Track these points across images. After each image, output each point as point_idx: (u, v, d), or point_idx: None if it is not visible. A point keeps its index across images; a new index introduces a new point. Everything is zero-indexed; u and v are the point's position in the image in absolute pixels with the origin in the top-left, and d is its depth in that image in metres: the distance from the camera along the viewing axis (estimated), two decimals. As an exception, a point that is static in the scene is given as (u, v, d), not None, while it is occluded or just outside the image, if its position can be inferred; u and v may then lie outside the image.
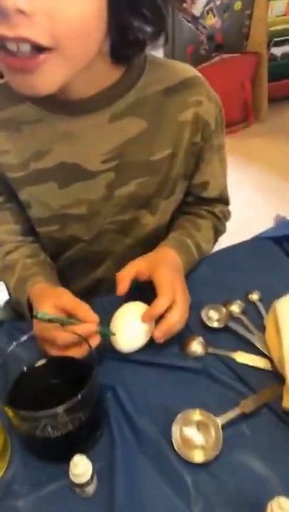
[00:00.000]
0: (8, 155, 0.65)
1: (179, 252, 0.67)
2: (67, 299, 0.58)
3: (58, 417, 0.43)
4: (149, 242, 0.75)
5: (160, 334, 0.57)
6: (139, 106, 0.63)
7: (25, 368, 0.52)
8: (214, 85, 2.62)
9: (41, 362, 0.53)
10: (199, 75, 0.67)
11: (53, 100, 0.60)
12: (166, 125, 0.65)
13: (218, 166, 0.74)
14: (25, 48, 0.46)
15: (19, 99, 0.63)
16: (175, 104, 0.65)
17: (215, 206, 0.78)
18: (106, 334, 0.57)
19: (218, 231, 0.80)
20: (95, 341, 0.56)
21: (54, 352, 0.54)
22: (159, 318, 0.58)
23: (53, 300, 0.59)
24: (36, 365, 0.52)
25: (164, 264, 0.63)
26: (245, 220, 2.16)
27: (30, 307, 0.65)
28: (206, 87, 0.67)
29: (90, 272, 0.79)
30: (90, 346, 0.50)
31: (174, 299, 0.59)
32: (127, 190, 0.68)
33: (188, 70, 0.67)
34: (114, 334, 0.59)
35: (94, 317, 0.56)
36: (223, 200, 0.79)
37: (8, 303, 0.92)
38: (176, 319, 0.58)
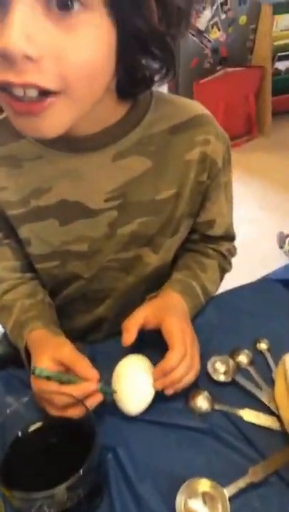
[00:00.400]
0: (7, 192, 0.63)
1: (185, 297, 0.65)
2: (66, 352, 0.56)
3: (56, 497, 0.41)
4: (152, 280, 0.73)
5: (170, 391, 0.56)
6: (144, 144, 0.61)
7: (20, 433, 0.49)
8: (218, 98, 2.64)
9: (36, 425, 0.50)
10: (207, 112, 0.65)
11: (56, 137, 0.58)
12: (171, 164, 0.63)
13: (225, 204, 0.72)
14: (32, 93, 0.43)
15: (20, 134, 0.60)
16: (181, 143, 0.62)
17: (221, 244, 0.76)
18: (108, 392, 0.55)
19: (224, 270, 0.77)
20: (95, 400, 0.53)
21: (52, 411, 0.51)
22: None
23: (51, 352, 0.56)
24: (31, 430, 0.49)
25: (173, 312, 0.61)
26: (248, 237, 2.14)
27: (28, 353, 0.63)
28: (214, 125, 0.65)
29: (90, 310, 0.76)
30: (86, 408, 0.47)
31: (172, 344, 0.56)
32: (129, 229, 0.65)
33: (196, 108, 0.64)
34: (116, 392, 0.56)
35: (94, 374, 0.53)
36: (229, 237, 0.77)
37: (5, 336, 0.89)
38: (175, 362, 0.56)
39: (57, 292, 0.74)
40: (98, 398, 0.53)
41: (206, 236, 0.74)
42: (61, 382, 0.53)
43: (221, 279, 0.77)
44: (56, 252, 0.67)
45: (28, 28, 0.39)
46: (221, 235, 0.74)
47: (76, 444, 0.47)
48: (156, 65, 0.51)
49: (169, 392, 0.56)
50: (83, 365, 0.54)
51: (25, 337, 0.63)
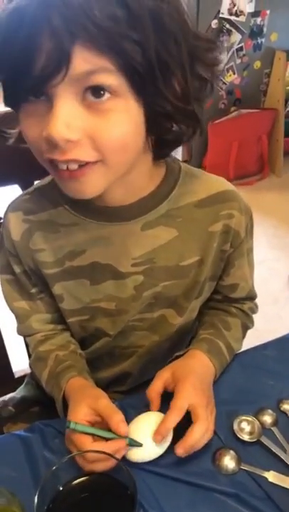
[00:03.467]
0: (45, 253, 0.68)
1: (212, 357, 0.68)
2: (103, 404, 0.59)
3: None
4: (176, 339, 0.76)
5: (181, 451, 0.58)
6: (172, 216, 0.66)
7: (61, 488, 0.52)
8: (232, 138, 2.72)
9: (78, 481, 0.53)
10: (233, 188, 0.70)
11: (90, 206, 0.64)
12: (196, 234, 0.67)
13: (247, 269, 0.76)
14: (73, 166, 0.51)
15: (58, 202, 0.66)
16: (206, 216, 0.67)
17: (244, 304, 0.79)
18: (134, 445, 0.58)
19: (247, 327, 0.80)
20: (122, 453, 0.57)
21: (84, 465, 0.54)
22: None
23: (89, 401, 0.60)
24: (72, 484, 0.52)
25: (189, 378, 0.63)
26: (258, 277, 2.17)
27: (65, 403, 0.66)
28: (239, 199, 0.69)
29: (116, 364, 0.79)
30: (118, 460, 0.51)
31: (195, 414, 0.59)
32: (154, 291, 0.70)
33: (222, 184, 0.69)
34: (142, 445, 0.59)
35: (125, 430, 0.57)
36: (251, 297, 0.80)
37: (31, 377, 0.92)
38: (198, 437, 0.58)
39: (86, 346, 0.78)
40: (124, 452, 0.57)
41: (229, 298, 0.77)
42: (93, 436, 0.56)
43: (244, 336, 0.80)
44: (86, 307, 0.71)
45: (68, 118, 0.47)
46: (244, 296, 0.78)
47: (115, 499, 0.50)
48: (184, 127, 0.57)
49: (182, 455, 0.58)
50: (117, 419, 0.57)
51: (63, 386, 0.66)
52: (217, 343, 0.71)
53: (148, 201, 0.64)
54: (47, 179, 0.69)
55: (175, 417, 0.58)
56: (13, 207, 0.69)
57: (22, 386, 0.91)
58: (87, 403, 0.59)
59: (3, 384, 0.98)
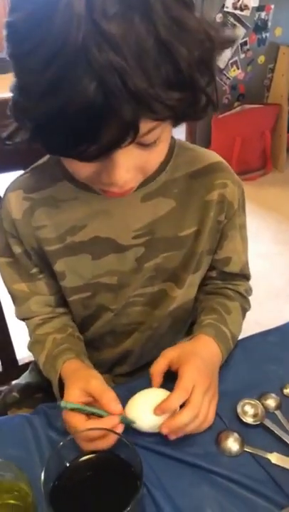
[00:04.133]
0: (46, 229, 0.69)
1: (219, 343, 0.69)
2: (94, 384, 0.60)
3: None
4: (177, 315, 0.78)
5: (166, 430, 0.58)
6: (169, 187, 0.68)
7: (67, 464, 0.52)
8: (235, 133, 2.72)
9: (84, 458, 0.53)
10: (224, 160, 0.72)
11: None
12: (193, 204, 0.70)
13: (240, 243, 0.77)
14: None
15: (57, 178, 0.67)
16: (202, 186, 0.70)
17: (239, 284, 0.80)
18: (127, 423, 0.59)
19: (245, 310, 0.81)
20: (118, 430, 0.57)
21: (82, 444, 0.54)
22: None
23: (82, 383, 0.61)
24: (79, 461, 0.53)
25: (194, 359, 0.63)
26: (261, 271, 2.17)
27: (61, 386, 0.66)
28: (231, 171, 0.72)
29: (118, 343, 0.80)
30: (120, 435, 0.52)
31: (189, 399, 0.59)
32: (154, 263, 0.71)
33: (214, 156, 0.72)
34: (135, 423, 0.60)
35: (117, 408, 0.57)
36: (245, 276, 0.82)
37: (35, 365, 0.93)
38: (185, 420, 0.58)
39: (87, 326, 0.79)
40: (119, 429, 0.56)
41: (223, 272, 0.78)
42: (87, 414, 0.58)
43: (243, 318, 0.80)
44: (88, 284, 0.72)
45: (128, 164, 0.50)
46: (237, 272, 0.79)
47: (119, 477, 0.51)
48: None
49: (171, 437, 0.59)
50: (109, 398, 0.58)
51: (59, 368, 0.67)
52: (222, 328, 0.71)
53: None
54: (44, 158, 0.70)
55: (180, 396, 0.59)
56: (12, 187, 0.70)
57: (26, 373, 0.92)
58: (78, 385, 0.60)
59: (8, 371, 0.99)
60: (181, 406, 0.59)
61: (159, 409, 0.59)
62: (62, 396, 0.66)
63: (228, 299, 0.78)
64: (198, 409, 0.59)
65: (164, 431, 0.58)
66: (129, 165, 0.50)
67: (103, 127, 0.42)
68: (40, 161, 0.70)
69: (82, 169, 0.52)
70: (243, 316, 0.80)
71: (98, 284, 0.72)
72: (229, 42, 0.50)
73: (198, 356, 0.65)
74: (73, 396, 0.59)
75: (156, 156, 0.54)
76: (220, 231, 0.73)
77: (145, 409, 0.60)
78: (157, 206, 0.68)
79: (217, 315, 0.74)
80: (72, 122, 0.42)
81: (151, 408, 0.59)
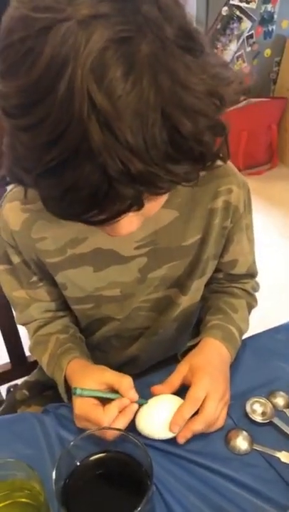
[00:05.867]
0: (47, 241, 0.67)
1: (227, 345, 0.69)
2: (110, 373, 0.62)
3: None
4: (182, 319, 0.77)
5: (182, 440, 0.60)
6: (171, 198, 0.65)
7: (78, 463, 0.53)
8: (241, 127, 2.68)
9: (95, 457, 0.54)
10: (228, 163, 0.69)
11: None
12: (197, 213, 0.68)
13: (247, 244, 0.76)
14: None
15: None
16: (205, 194, 0.68)
17: (246, 283, 0.80)
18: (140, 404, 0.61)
19: (251, 307, 0.81)
20: (132, 410, 0.59)
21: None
22: None
23: (96, 375, 0.62)
24: (89, 460, 0.53)
25: (207, 368, 0.64)
26: (267, 265, 2.16)
27: (66, 384, 0.67)
28: (236, 174, 0.70)
29: (124, 347, 0.81)
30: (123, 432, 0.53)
31: (202, 406, 0.60)
32: (159, 274, 0.71)
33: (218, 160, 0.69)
34: (147, 402, 0.61)
35: (135, 396, 0.59)
36: (252, 274, 0.81)
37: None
38: (198, 429, 0.60)
39: (92, 332, 0.79)
40: (135, 407, 0.59)
41: (229, 275, 0.78)
42: (101, 400, 0.59)
43: (249, 314, 0.80)
44: (90, 296, 0.72)
45: (131, 221, 0.49)
46: (244, 273, 0.78)
47: (130, 476, 0.52)
48: None
49: (181, 441, 0.60)
50: (128, 384, 0.60)
51: (64, 367, 0.67)
52: (229, 328, 0.71)
53: None
54: None
55: (191, 407, 0.59)
56: (8, 198, 0.67)
57: (36, 370, 0.93)
58: (92, 377, 0.61)
59: (17, 368, 1.00)
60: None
61: (174, 425, 0.59)
62: (68, 395, 0.67)
63: (234, 297, 0.78)
64: (212, 418, 0.60)
65: (181, 441, 0.60)
66: (133, 221, 0.50)
67: (107, 204, 0.41)
68: None
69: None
70: (249, 312, 0.80)
71: (101, 297, 0.72)
72: (240, 94, 0.47)
73: (210, 363, 0.65)
74: (88, 386, 0.60)
75: (158, 204, 0.53)
76: (225, 236, 0.72)
77: (156, 419, 0.60)
78: (160, 217, 0.66)
79: (223, 315, 0.74)
80: (74, 201, 0.41)
81: (163, 418, 0.60)
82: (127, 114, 0.36)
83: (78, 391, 0.58)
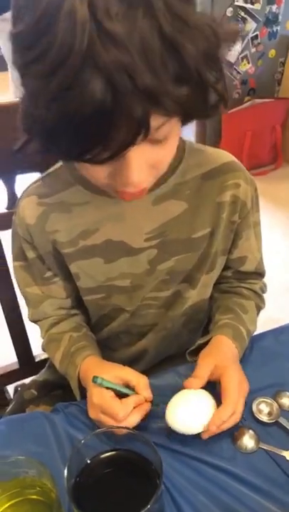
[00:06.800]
0: (59, 234, 0.70)
1: (237, 344, 0.70)
2: (129, 370, 0.64)
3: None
4: (191, 315, 0.79)
5: (206, 436, 0.61)
6: (180, 190, 0.69)
7: (88, 461, 0.54)
8: (246, 128, 2.70)
9: (105, 455, 0.55)
10: (236, 160, 0.72)
11: None
12: (205, 206, 0.70)
13: (255, 241, 0.78)
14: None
15: (71, 182, 0.68)
16: (213, 187, 0.70)
17: (254, 283, 0.81)
18: (155, 405, 0.62)
19: (260, 309, 0.82)
20: (145, 409, 0.62)
21: (110, 422, 0.59)
22: None
23: (115, 371, 0.64)
24: (100, 458, 0.54)
25: (232, 367, 0.65)
26: (272, 266, 2.17)
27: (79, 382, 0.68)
28: (243, 170, 0.72)
29: (133, 343, 0.82)
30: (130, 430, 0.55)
31: (226, 399, 0.61)
32: (167, 266, 0.72)
33: (226, 156, 0.72)
34: (158, 406, 0.62)
35: (149, 395, 0.61)
36: (260, 273, 0.82)
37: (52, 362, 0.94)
38: (226, 428, 0.62)
39: (102, 326, 0.80)
40: (148, 407, 0.61)
41: (238, 272, 0.79)
42: (118, 395, 0.61)
43: (257, 316, 0.81)
44: (101, 286, 0.73)
45: (141, 164, 0.50)
46: (252, 271, 0.79)
47: (140, 474, 0.53)
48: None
49: (204, 436, 0.61)
50: (145, 384, 0.62)
51: (79, 364, 0.68)
52: (239, 328, 0.72)
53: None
54: (56, 165, 0.71)
55: (230, 410, 0.61)
56: (26, 194, 0.71)
57: (44, 369, 0.94)
58: (112, 373, 0.63)
59: (24, 367, 1.01)
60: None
61: (213, 426, 0.59)
62: (82, 393, 0.68)
63: (244, 298, 0.79)
64: (235, 407, 0.61)
65: (205, 437, 0.61)
66: (142, 163, 0.50)
67: (114, 128, 0.42)
68: (52, 169, 0.71)
69: (98, 173, 0.53)
70: (258, 313, 0.81)
71: (112, 287, 0.73)
72: (234, 35, 0.49)
73: (234, 363, 0.67)
74: (107, 379, 0.62)
75: (167, 153, 0.54)
76: (234, 231, 0.73)
77: (187, 414, 0.60)
78: (169, 208, 0.69)
79: (234, 314, 0.75)
80: (83, 126, 0.42)
81: (193, 413, 0.60)
82: (129, 33, 0.39)
83: (99, 380, 0.59)
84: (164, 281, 0.74)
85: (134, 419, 0.60)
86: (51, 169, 0.71)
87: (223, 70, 0.48)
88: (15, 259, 0.76)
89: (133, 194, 0.55)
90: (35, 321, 0.80)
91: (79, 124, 0.42)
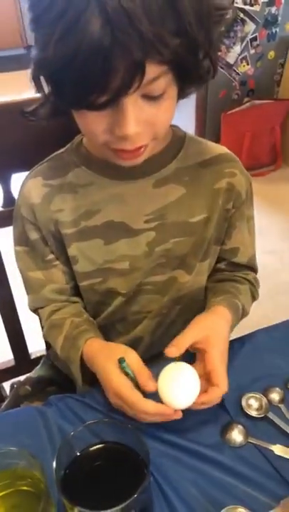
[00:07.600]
0: (63, 213, 0.72)
1: (232, 312, 0.72)
2: (134, 358, 0.63)
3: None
4: (186, 302, 0.80)
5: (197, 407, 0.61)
6: (179, 175, 0.72)
7: (78, 453, 0.55)
8: (245, 129, 2.70)
9: (94, 447, 0.56)
10: (231, 152, 0.76)
11: (106, 165, 0.67)
12: (202, 192, 0.73)
13: (247, 235, 0.80)
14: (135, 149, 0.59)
15: (75, 164, 0.71)
16: (211, 174, 0.73)
17: (248, 274, 0.83)
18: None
19: (254, 297, 0.84)
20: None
21: (130, 413, 0.61)
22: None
23: (122, 355, 0.63)
24: (89, 450, 0.55)
25: (219, 343, 0.65)
26: (269, 268, 2.18)
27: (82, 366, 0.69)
28: (239, 162, 0.76)
29: (128, 330, 0.83)
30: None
31: (215, 380, 0.62)
32: (165, 248, 0.74)
33: (223, 148, 0.76)
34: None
35: (154, 387, 0.61)
36: (252, 267, 0.84)
37: (47, 358, 0.95)
38: (215, 399, 0.62)
39: (98, 313, 0.81)
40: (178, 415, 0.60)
41: (231, 263, 0.81)
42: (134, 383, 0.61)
43: (251, 304, 0.82)
44: (99, 269, 0.75)
45: (137, 115, 0.54)
46: (245, 263, 0.81)
47: (128, 465, 0.53)
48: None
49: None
50: (147, 375, 0.62)
51: (81, 346, 0.68)
52: (234, 301, 0.74)
53: (158, 159, 0.69)
54: (61, 149, 0.74)
55: (220, 393, 0.62)
56: (31, 175, 0.74)
57: (38, 366, 0.95)
58: (115, 358, 0.62)
59: (20, 364, 1.02)
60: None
61: (199, 405, 0.61)
62: (83, 376, 0.69)
63: (238, 282, 0.81)
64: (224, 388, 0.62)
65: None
66: (138, 116, 0.54)
67: (111, 71, 0.47)
68: (58, 152, 0.74)
69: (96, 126, 0.56)
70: (252, 300, 0.83)
71: (109, 270, 0.75)
72: (224, 8, 0.56)
73: (221, 339, 0.66)
74: (111, 366, 0.62)
75: (163, 113, 0.57)
76: (228, 220, 0.76)
77: (176, 389, 0.60)
78: (168, 192, 0.71)
79: (229, 294, 0.76)
80: (83, 68, 0.46)
81: (182, 387, 0.60)
82: None
83: (125, 364, 0.61)
84: (161, 265, 0.75)
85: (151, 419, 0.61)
86: (57, 152, 0.74)
87: (213, 37, 0.53)
88: (17, 243, 0.77)
89: (130, 154, 0.59)
90: (35, 310, 0.81)
91: (80, 65, 0.46)
